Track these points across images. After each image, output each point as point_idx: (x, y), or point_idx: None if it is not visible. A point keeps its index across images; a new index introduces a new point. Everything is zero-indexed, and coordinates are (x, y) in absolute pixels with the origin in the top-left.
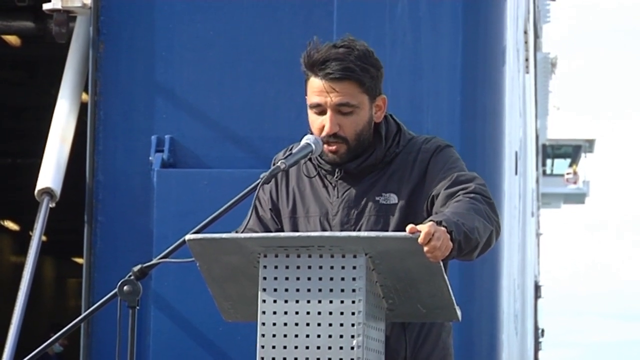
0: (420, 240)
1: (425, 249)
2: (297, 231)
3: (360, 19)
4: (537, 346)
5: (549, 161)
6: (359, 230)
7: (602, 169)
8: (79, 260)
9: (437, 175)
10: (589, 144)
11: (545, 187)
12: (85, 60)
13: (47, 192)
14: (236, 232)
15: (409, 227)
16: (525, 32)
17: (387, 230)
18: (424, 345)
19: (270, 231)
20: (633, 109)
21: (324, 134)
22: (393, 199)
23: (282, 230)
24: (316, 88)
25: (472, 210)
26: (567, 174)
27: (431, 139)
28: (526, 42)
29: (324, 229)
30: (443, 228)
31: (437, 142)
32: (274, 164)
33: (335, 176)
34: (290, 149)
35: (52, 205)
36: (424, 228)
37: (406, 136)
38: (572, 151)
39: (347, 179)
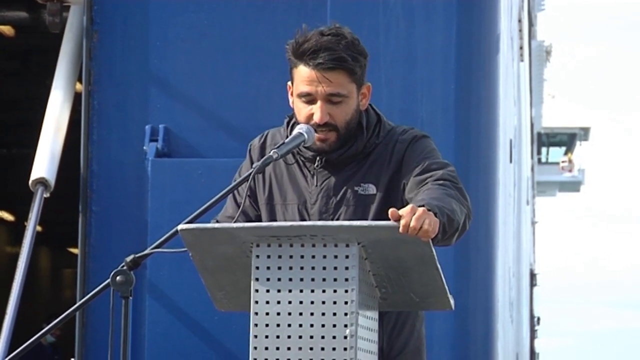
0: (400, 230)
1: (409, 231)
2: (275, 218)
3: (354, 8)
4: (532, 334)
5: (544, 149)
6: (337, 219)
7: (597, 157)
8: (74, 251)
9: (411, 164)
10: (584, 132)
11: (540, 175)
12: (79, 50)
13: (42, 182)
14: (216, 220)
15: (391, 211)
16: (520, 20)
17: (365, 220)
18: (400, 335)
19: (251, 218)
20: (628, 97)
21: (313, 122)
22: (372, 189)
23: (261, 217)
24: (306, 77)
25: (445, 195)
26: (562, 162)
27: (408, 130)
28: (520, 30)
29: (302, 217)
30: (423, 208)
31: (413, 132)
32: (249, 152)
33: (316, 164)
34: (266, 135)
35: (47, 195)
36: (404, 212)
37: (386, 127)
38: (567, 139)
39: (326, 168)
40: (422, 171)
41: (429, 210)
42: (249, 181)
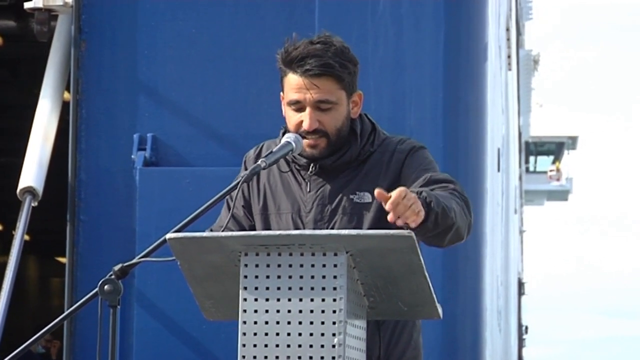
0: (389, 206)
1: (395, 211)
2: (269, 228)
3: (342, 15)
4: (520, 343)
5: (532, 158)
6: (333, 227)
7: (585, 166)
8: (62, 260)
9: (410, 175)
10: (572, 141)
11: (528, 184)
12: (67, 58)
13: (30, 191)
14: (210, 230)
15: (377, 191)
16: (508, 29)
17: (360, 229)
18: (397, 344)
19: (244, 228)
20: (616, 106)
21: (302, 130)
22: (367, 197)
23: (255, 227)
24: (294, 85)
25: (450, 197)
26: (550, 171)
27: (406, 140)
28: (508, 39)
29: (296, 226)
30: (414, 194)
31: (411, 143)
32: (244, 163)
33: (310, 171)
34: (261, 147)
35: (35, 204)
36: (393, 193)
37: (380, 136)
38: (555, 148)
39: (321, 175)
40: (426, 183)
41: (425, 197)
42: (238, 191)
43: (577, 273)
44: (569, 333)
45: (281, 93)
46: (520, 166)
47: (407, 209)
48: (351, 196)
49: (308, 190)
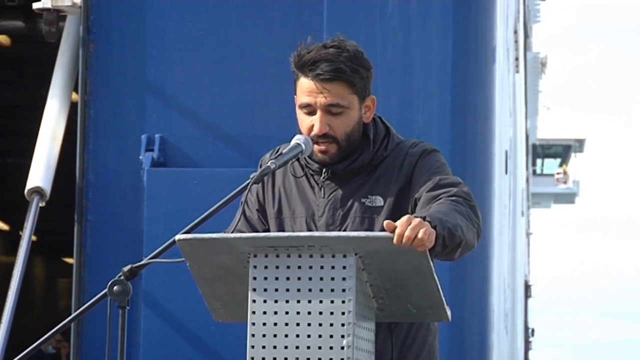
0: (394, 240)
1: (404, 241)
2: (284, 232)
3: (351, 18)
4: (527, 346)
5: (539, 161)
6: (344, 231)
7: (592, 169)
8: (70, 260)
9: (421, 178)
10: (579, 144)
11: (535, 186)
12: (75, 59)
13: (37, 191)
14: (224, 233)
15: (386, 222)
16: (515, 32)
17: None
18: (411, 349)
19: (258, 232)
20: (623, 109)
21: (313, 134)
22: (379, 201)
23: (269, 231)
24: (306, 88)
25: (454, 210)
26: (557, 173)
27: (419, 143)
28: (516, 42)
29: (309, 230)
30: (419, 219)
31: (424, 146)
32: (261, 166)
33: (322, 176)
34: (278, 150)
35: (42, 204)
36: (399, 222)
37: (394, 140)
38: (562, 151)
39: (333, 180)
40: (434, 187)
41: (429, 222)
42: (248, 191)
43: (584, 275)
44: (575, 335)
45: (294, 96)
46: (527, 169)
47: (414, 237)
48: (363, 200)
49: (321, 195)
